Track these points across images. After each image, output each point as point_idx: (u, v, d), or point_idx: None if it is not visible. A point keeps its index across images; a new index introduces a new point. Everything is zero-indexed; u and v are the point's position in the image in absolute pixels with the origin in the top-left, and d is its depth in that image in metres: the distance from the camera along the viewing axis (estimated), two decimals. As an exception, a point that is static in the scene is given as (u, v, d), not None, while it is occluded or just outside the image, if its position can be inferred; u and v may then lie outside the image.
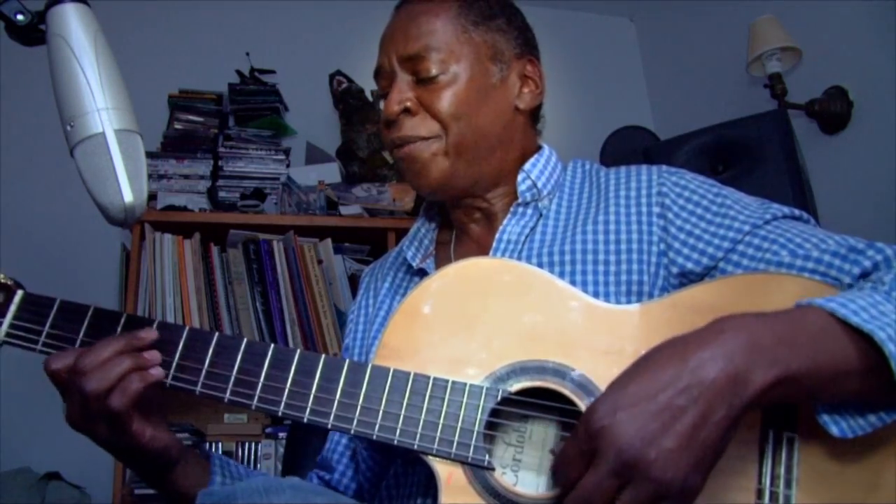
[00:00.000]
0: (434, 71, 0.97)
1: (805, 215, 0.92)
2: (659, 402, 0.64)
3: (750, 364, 0.65)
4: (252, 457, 2.30)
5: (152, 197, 2.34)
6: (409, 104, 0.97)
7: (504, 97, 1.02)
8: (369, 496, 1.02)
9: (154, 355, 0.83)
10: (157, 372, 0.83)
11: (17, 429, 2.22)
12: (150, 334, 0.84)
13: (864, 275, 0.80)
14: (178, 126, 2.52)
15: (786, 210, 0.91)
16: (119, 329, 0.87)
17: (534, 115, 1.07)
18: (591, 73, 3.19)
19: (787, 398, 0.68)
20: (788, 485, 0.72)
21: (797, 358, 0.66)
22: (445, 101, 0.97)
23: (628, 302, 0.89)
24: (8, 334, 0.88)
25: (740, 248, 0.88)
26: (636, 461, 0.63)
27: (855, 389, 0.68)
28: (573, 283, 0.90)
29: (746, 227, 0.88)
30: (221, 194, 2.43)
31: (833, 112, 2.33)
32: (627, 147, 2.70)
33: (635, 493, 0.64)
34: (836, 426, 0.69)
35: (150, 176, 2.29)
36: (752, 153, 2.05)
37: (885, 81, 2.18)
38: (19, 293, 0.90)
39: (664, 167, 0.99)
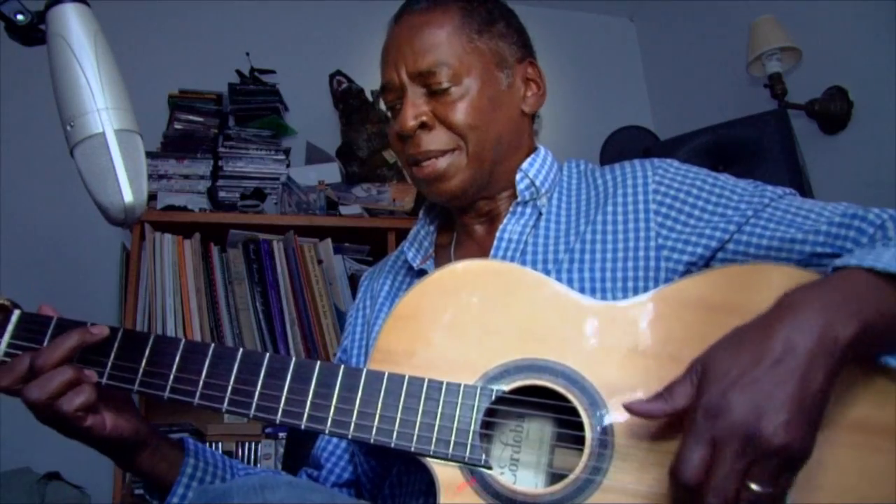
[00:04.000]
0: (446, 83, 0.97)
1: (792, 190, 0.95)
2: (762, 379, 0.67)
3: (832, 324, 0.68)
4: (252, 457, 2.30)
5: (152, 197, 2.34)
6: (425, 118, 0.97)
7: (512, 102, 1.03)
8: (370, 499, 1.02)
9: (90, 374, 0.84)
10: (90, 375, 0.84)
11: (17, 429, 2.21)
12: (102, 330, 0.86)
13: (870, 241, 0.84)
14: (178, 126, 2.52)
15: (778, 191, 0.94)
16: (116, 344, 0.88)
17: (533, 116, 1.08)
18: (591, 73, 3.19)
19: (866, 351, 0.72)
20: None
21: (866, 310, 0.70)
22: (461, 112, 0.97)
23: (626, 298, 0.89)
24: (6, 353, 0.89)
25: (748, 228, 0.90)
26: (756, 437, 0.65)
27: None
28: (571, 281, 0.92)
29: (750, 211, 0.91)
30: (221, 194, 2.43)
31: (833, 112, 2.33)
32: (627, 147, 2.69)
33: (763, 467, 0.66)
34: None
35: (150, 176, 2.29)
36: (752, 153, 2.05)
37: (885, 81, 2.17)
38: (16, 313, 0.91)
39: (655, 161, 1.00)
